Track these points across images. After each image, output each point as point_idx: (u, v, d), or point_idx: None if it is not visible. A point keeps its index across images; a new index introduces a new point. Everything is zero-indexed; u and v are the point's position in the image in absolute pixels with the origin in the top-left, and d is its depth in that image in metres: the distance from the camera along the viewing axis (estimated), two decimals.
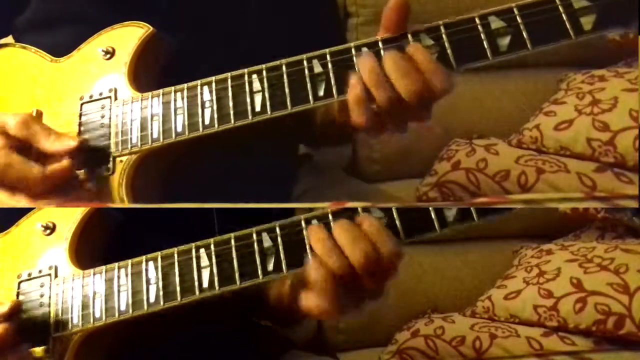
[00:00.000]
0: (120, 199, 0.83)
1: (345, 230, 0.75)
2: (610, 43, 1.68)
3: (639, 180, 1.41)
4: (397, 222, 0.76)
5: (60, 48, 0.93)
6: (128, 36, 0.89)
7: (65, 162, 0.82)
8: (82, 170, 0.84)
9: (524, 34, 0.75)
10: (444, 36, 0.77)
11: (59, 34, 0.97)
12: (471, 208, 0.75)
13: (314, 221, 0.78)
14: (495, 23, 0.76)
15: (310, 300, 0.76)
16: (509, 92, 1.77)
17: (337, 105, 0.89)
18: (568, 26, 0.74)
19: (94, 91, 0.88)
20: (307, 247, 0.76)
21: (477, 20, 0.76)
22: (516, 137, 1.66)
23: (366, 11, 1.75)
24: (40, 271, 0.85)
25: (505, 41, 0.75)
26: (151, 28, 0.89)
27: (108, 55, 0.89)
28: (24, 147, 0.83)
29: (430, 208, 0.75)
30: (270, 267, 0.77)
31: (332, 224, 0.76)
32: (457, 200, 1.57)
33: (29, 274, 0.86)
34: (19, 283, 0.85)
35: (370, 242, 0.74)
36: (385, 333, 1.60)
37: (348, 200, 0.82)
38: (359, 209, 0.77)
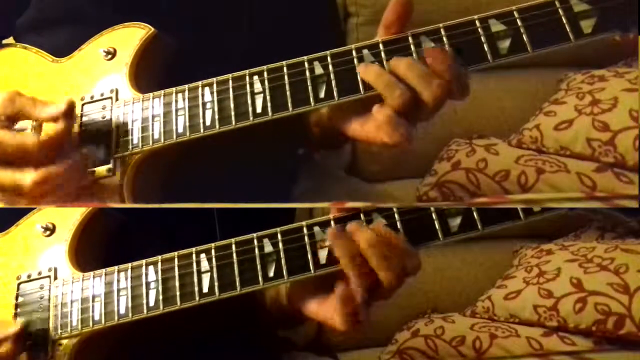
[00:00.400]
0: (121, 199, 0.83)
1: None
2: (610, 43, 1.68)
3: (639, 180, 1.41)
4: (400, 231, 0.76)
5: (61, 48, 0.93)
6: (129, 37, 0.89)
7: (59, 125, 0.80)
8: (99, 168, 0.84)
9: (524, 37, 0.75)
10: (444, 39, 0.77)
11: (60, 34, 0.96)
12: (476, 217, 0.75)
13: (316, 228, 0.78)
14: (496, 26, 0.76)
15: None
16: (509, 92, 1.77)
17: (326, 111, 0.89)
18: (568, 29, 0.74)
19: (95, 92, 0.88)
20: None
21: (478, 23, 0.76)
22: (516, 137, 1.66)
23: (366, 11, 1.75)
24: (39, 273, 0.85)
25: (505, 44, 0.75)
26: (152, 29, 0.89)
27: (109, 56, 0.89)
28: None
29: (434, 217, 0.76)
30: (271, 273, 0.77)
31: None
32: (457, 200, 1.57)
33: (29, 276, 0.86)
34: (19, 284, 0.85)
35: None
36: (385, 333, 1.60)
37: (348, 200, 0.82)
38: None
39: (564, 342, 1.42)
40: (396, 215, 0.76)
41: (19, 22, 1.01)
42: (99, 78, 0.89)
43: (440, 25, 0.78)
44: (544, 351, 1.41)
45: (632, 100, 1.53)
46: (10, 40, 1.01)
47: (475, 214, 0.75)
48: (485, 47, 0.75)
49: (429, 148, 1.72)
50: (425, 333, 1.52)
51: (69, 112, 0.81)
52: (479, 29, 0.76)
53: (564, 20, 0.74)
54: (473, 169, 1.61)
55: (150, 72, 0.89)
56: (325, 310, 0.78)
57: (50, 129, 0.80)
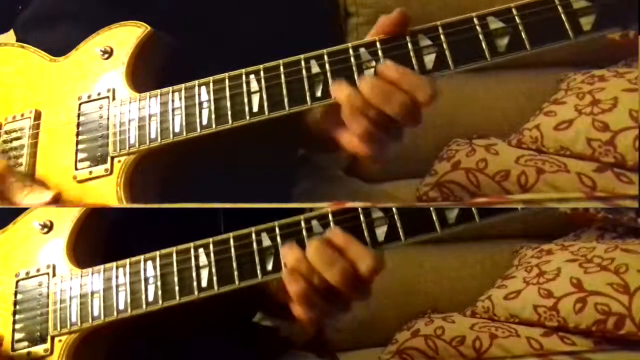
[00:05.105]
0: (119, 199, 0.83)
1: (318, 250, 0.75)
2: (610, 43, 1.68)
3: (639, 180, 1.41)
4: (398, 223, 0.76)
5: (60, 45, 0.93)
6: (126, 36, 0.89)
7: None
8: (96, 169, 0.84)
9: (523, 34, 0.74)
10: (442, 37, 0.76)
11: (59, 31, 0.97)
12: (473, 209, 0.74)
13: (314, 222, 0.78)
14: (494, 24, 0.75)
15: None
16: (509, 92, 1.77)
17: (320, 113, 0.89)
18: (567, 26, 0.73)
19: (93, 91, 0.88)
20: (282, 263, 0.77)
21: (476, 21, 0.76)
22: (516, 137, 1.66)
23: (366, 11, 1.75)
24: (38, 270, 0.85)
25: (503, 42, 0.75)
26: (149, 28, 0.89)
27: (106, 55, 0.89)
28: None
29: (432, 209, 0.75)
30: (270, 266, 0.78)
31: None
32: (457, 200, 1.57)
33: (27, 273, 0.86)
34: (17, 282, 0.85)
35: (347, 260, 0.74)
36: (385, 333, 1.60)
37: (348, 200, 0.82)
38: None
39: (564, 342, 1.42)
40: (394, 208, 0.76)
41: (20, 17, 1.01)
42: (96, 77, 0.89)
43: (438, 23, 0.77)
44: (544, 351, 1.41)
45: (632, 100, 1.53)
46: (9, 38, 1.01)
47: None
48: (483, 44, 0.75)
49: (429, 148, 1.72)
50: (425, 333, 1.53)
51: (52, 203, 0.82)
52: (477, 27, 0.75)
53: (563, 18, 0.73)
54: (473, 169, 1.61)
55: (147, 71, 0.89)
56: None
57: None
